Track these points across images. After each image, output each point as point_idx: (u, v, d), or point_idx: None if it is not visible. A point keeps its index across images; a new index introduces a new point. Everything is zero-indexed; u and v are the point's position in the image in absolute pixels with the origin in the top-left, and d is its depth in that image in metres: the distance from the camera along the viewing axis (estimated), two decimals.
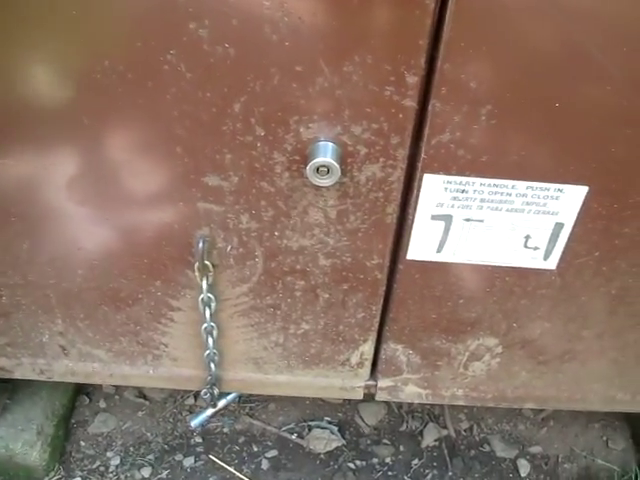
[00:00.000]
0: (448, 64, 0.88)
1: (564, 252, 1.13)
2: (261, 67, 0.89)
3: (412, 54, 0.87)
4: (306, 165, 0.96)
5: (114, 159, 1.02)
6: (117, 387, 1.95)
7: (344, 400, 1.96)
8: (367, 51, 0.87)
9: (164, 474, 1.78)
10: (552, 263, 1.15)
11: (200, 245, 1.11)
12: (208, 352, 1.32)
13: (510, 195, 1.04)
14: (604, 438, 1.93)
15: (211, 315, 1.24)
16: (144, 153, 1.01)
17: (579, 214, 1.06)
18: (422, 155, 0.99)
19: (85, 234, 1.14)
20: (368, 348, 1.35)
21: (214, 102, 0.93)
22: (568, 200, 1.04)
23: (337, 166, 0.95)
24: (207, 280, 1.18)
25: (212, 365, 1.35)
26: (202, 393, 1.43)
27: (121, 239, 1.15)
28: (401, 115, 0.94)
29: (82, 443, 1.83)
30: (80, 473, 1.77)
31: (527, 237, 1.10)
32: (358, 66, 0.88)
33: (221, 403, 1.55)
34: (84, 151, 1.02)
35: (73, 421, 1.88)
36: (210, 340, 1.29)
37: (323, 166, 0.95)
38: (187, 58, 0.89)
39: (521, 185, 1.02)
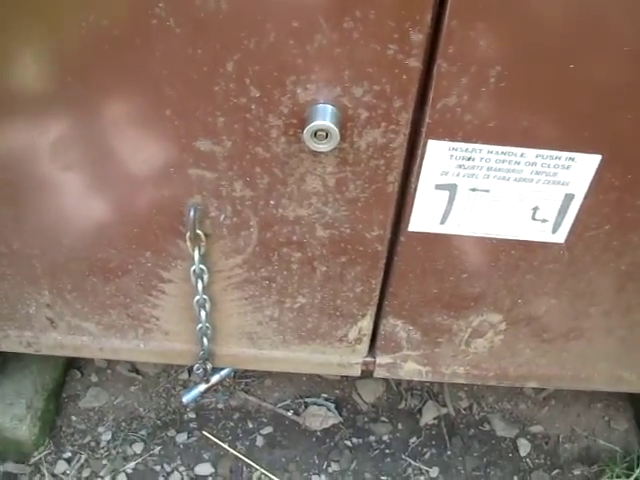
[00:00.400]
0: (456, 20, 0.82)
1: (574, 225, 1.08)
2: (255, 23, 0.83)
3: (417, 9, 0.81)
4: (303, 129, 0.91)
5: (100, 122, 0.97)
6: (109, 361, 1.91)
7: (341, 377, 1.93)
8: (369, 6, 0.81)
9: (156, 450, 1.75)
10: (561, 236, 1.10)
11: (192, 214, 1.07)
12: (200, 326, 1.28)
13: (519, 164, 0.98)
14: (606, 418, 1.90)
15: (203, 287, 1.19)
16: (132, 115, 0.96)
17: (591, 185, 1.01)
18: (426, 120, 0.93)
19: (72, 202, 1.09)
20: (367, 323, 1.31)
21: (205, 60, 0.88)
22: (580, 170, 0.99)
23: (336, 130, 0.90)
24: (199, 251, 1.13)
25: (205, 339, 1.31)
26: (194, 368, 1.40)
27: (109, 207, 1.10)
28: (405, 76, 0.88)
29: (73, 418, 1.80)
30: (70, 448, 1.74)
31: (535, 209, 1.05)
32: (359, 22, 0.82)
33: (214, 379, 1.51)
34: (69, 113, 0.96)
35: (64, 395, 1.84)
36: (203, 313, 1.25)
37: (321, 130, 0.90)
38: (176, 12, 0.83)
39: (530, 153, 0.97)
